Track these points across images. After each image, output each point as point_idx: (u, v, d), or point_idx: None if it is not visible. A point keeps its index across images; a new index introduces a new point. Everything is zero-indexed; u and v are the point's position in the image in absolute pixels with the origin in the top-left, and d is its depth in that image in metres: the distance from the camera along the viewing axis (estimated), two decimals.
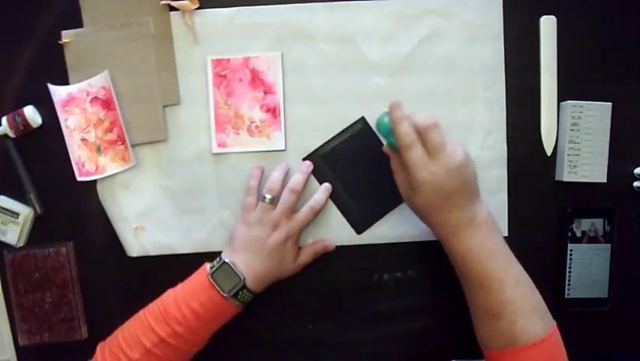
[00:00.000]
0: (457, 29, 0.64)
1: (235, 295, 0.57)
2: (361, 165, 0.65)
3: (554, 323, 0.53)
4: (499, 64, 0.64)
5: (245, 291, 0.57)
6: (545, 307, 0.54)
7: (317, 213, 0.62)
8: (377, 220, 0.65)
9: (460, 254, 0.54)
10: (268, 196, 0.60)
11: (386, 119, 0.56)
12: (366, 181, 0.65)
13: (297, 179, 0.61)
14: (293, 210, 0.61)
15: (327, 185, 0.64)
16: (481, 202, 0.55)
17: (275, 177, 0.61)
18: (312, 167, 0.64)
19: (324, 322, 0.66)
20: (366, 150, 0.64)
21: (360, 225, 0.65)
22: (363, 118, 0.64)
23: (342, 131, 0.64)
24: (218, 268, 0.57)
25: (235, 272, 0.57)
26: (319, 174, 0.65)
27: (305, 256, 0.63)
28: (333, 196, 0.65)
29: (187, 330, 0.56)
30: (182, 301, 0.56)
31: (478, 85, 0.64)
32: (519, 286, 0.53)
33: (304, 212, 0.61)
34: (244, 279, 0.57)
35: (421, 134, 0.52)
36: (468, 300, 0.56)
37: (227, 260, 0.58)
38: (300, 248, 0.63)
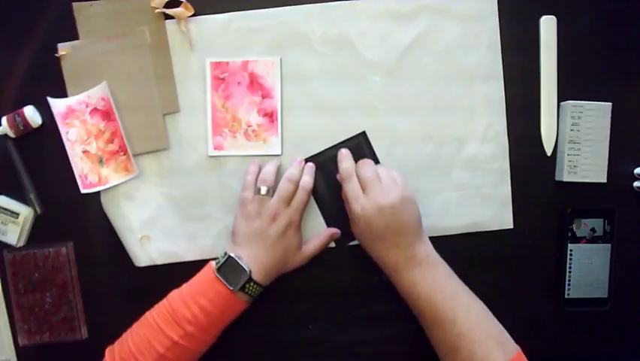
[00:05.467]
0: (453, 24, 0.64)
1: (243, 289, 0.57)
2: None
3: (518, 349, 0.53)
4: (496, 56, 0.64)
5: (252, 284, 0.57)
6: (506, 335, 0.54)
7: (310, 194, 0.61)
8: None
9: (405, 291, 0.57)
10: (264, 188, 0.60)
11: None
12: None
13: (292, 171, 0.61)
14: (290, 199, 0.60)
15: (310, 164, 0.63)
16: (424, 242, 0.57)
17: (268, 169, 0.61)
18: (314, 168, 0.63)
19: (324, 322, 0.66)
20: None
21: (341, 239, 0.64)
22: (364, 133, 0.64)
23: (343, 141, 0.64)
24: (223, 263, 0.57)
25: (241, 265, 0.57)
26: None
27: (312, 247, 0.62)
28: (320, 205, 0.64)
29: (198, 329, 0.55)
30: (191, 300, 0.56)
31: (477, 78, 0.64)
32: (472, 314, 0.54)
33: (298, 195, 0.60)
34: (250, 272, 0.57)
35: (356, 169, 0.59)
36: (429, 339, 0.57)
37: (232, 254, 0.58)
38: (305, 240, 0.63)
